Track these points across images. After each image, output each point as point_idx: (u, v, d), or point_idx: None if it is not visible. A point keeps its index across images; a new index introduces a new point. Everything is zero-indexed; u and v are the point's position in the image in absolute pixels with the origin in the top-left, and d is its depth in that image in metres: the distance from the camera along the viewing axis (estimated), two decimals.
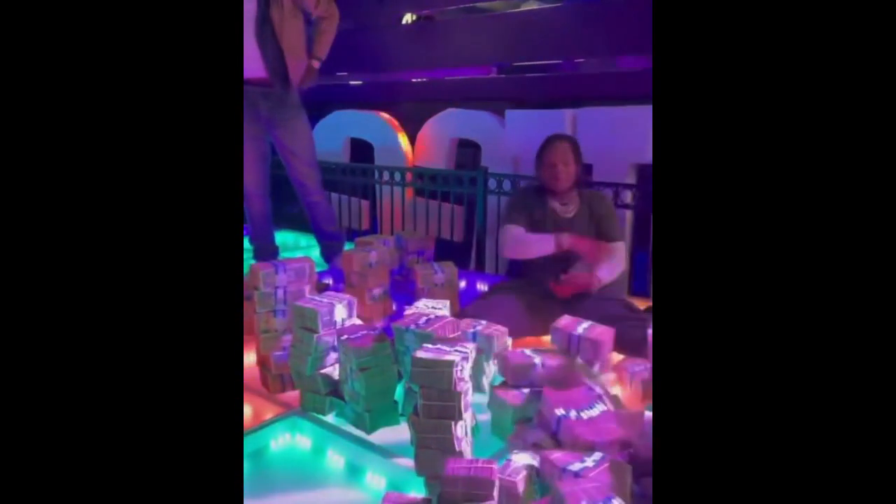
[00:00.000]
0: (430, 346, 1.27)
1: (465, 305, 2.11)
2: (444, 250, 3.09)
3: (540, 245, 2.02)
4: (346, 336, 1.47)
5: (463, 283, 2.64)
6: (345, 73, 4.43)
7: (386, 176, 3.70)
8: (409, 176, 3.70)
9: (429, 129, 3.78)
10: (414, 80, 4.19)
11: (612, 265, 2.03)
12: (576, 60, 3.79)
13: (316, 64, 2.64)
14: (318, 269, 2.09)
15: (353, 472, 1.37)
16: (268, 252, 2.82)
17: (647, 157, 2.90)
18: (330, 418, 1.54)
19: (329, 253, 2.92)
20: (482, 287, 2.57)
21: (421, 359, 1.21)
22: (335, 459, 1.41)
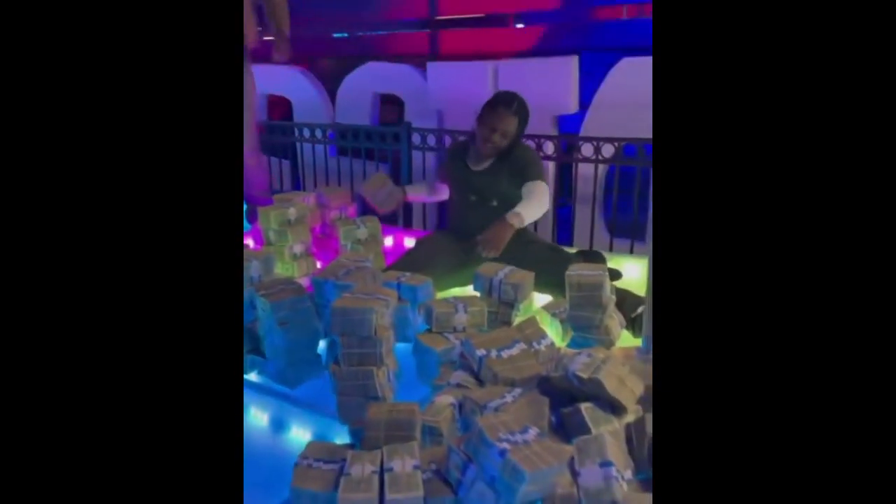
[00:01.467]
0: (349, 294, 1.25)
1: (392, 262, 2.09)
2: (371, 207, 3.05)
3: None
4: (263, 291, 1.42)
5: (390, 240, 2.61)
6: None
7: (307, 133, 3.57)
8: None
9: (349, 84, 3.67)
10: (335, 35, 4.04)
11: (533, 203, 1.93)
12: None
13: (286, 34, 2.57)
14: None
15: (278, 426, 1.35)
16: None
17: (568, 108, 2.94)
18: (252, 376, 1.50)
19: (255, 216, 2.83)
20: (409, 243, 2.56)
21: (340, 307, 1.19)
22: (259, 417, 1.38)
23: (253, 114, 2.68)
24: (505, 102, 1.99)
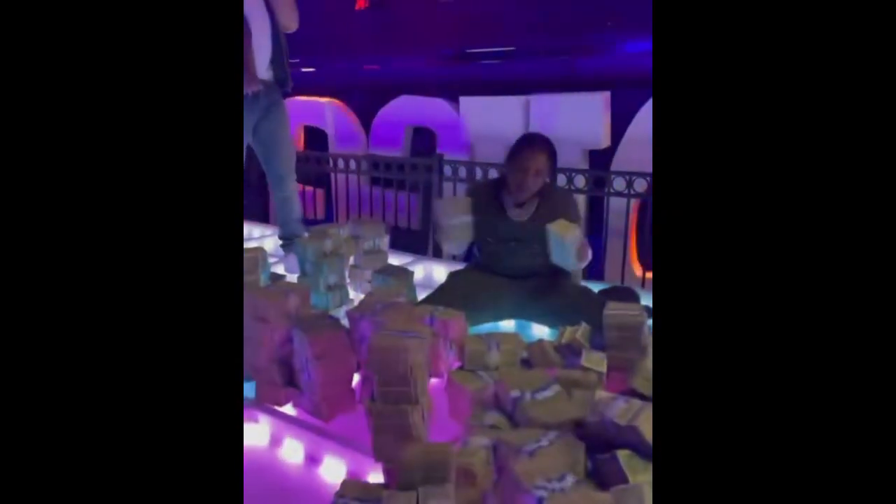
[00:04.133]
0: (385, 332, 1.27)
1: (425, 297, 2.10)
2: (402, 238, 3.09)
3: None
4: (300, 325, 1.45)
5: (420, 271, 2.64)
6: (296, 61, 4.34)
7: (341, 164, 3.66)
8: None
9: (383, 116, 3.75)
10: (367, 66, 4.14)
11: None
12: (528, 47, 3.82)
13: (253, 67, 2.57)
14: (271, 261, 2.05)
15: (311, 461, 1.36)
16: None
17: (599, 143, 2.96)
18: (287, 409, 1.52)
19: (290, 247, 2.87)
20: (439, 274, 2.58)
21: (376, 345, 1.21)
22: (293, 449, 1.40)
23: (293, 144, 2.76)
24: (533, 141, 2.00)
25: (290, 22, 2.59)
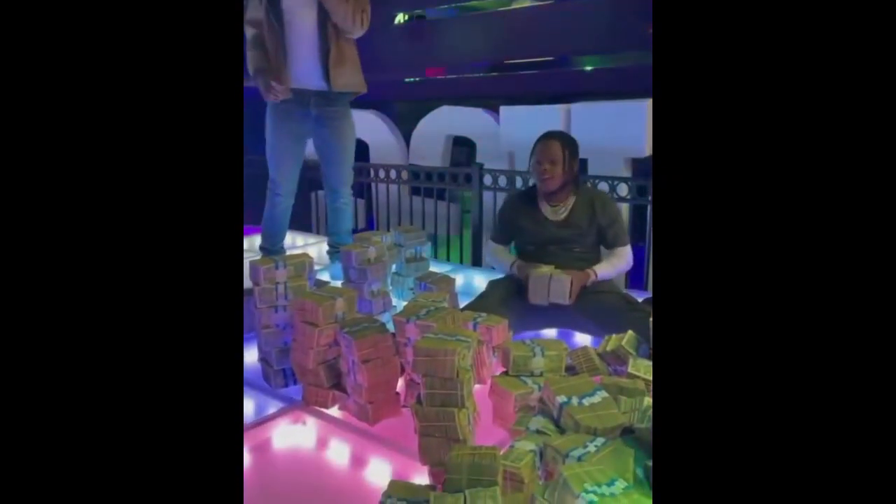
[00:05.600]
0: (431, 335, 1.28)
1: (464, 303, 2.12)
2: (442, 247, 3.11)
3: (502, 267, 2.15)
4: (347, 329, 1.48)
5: (460, 279, 2.65)
6: None
7: (382, 174, 3.71)
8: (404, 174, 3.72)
9: (423, 126, 3.79)
10: (407, 79, 4.21)
11: (612, 264, 2.04)
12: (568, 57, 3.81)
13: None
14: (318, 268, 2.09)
15: (357, 463, 1.38)
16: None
17: (641, 151, 2.93)
18: (333, 411, 1.55)
19: (337, 254, 2.91)
20: (479, 283, 2.59)
21: (423, 348, 1.22)
22: (339, 451, 1.42)
23: (353, 155, 2.73)
24: (545, 135, 2.06)
25: (347, 23, 2.38)
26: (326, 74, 2.45)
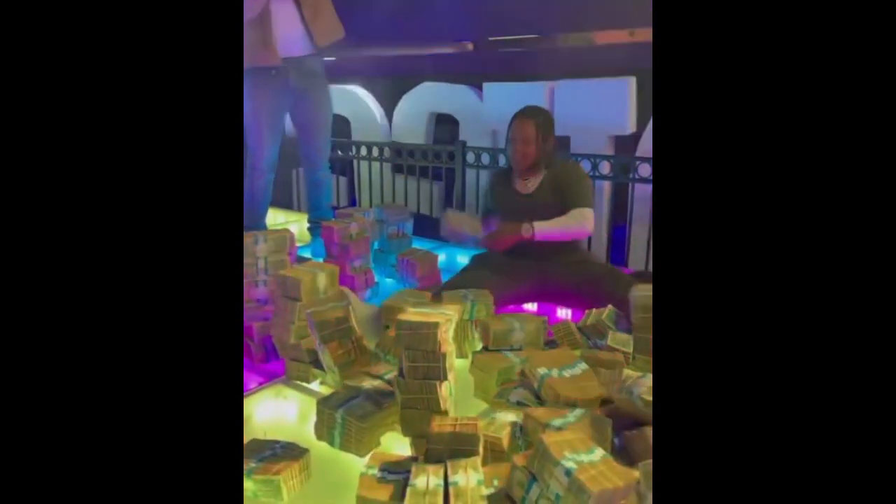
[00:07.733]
0: (414, 309, 1.28)
1: (446, 280, 2.12)
2: (424, 225, 3.10)
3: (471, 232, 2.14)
4: (311, 309, 1.46)
5: (443, 256, 2.65)
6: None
7: (364, 151, 3.67)
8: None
9: (406, 103, 3.75)
10: (388, 54, 4.14)
11: (558, 222, 1.96)
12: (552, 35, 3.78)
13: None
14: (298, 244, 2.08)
15: None
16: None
17: (625, 129, 2.93)
18: (315, 386, 1.54)
19: (318, 230, 2.90)
20: (462, 260, 2.59)
21: (406, 321, 1.22)
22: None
23: (329, 127, 2.74)
24: (522, 112, 2.05)
25: (323, 37, 2.50)
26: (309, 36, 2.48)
